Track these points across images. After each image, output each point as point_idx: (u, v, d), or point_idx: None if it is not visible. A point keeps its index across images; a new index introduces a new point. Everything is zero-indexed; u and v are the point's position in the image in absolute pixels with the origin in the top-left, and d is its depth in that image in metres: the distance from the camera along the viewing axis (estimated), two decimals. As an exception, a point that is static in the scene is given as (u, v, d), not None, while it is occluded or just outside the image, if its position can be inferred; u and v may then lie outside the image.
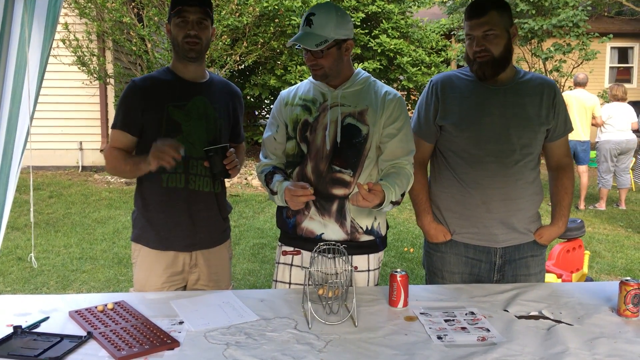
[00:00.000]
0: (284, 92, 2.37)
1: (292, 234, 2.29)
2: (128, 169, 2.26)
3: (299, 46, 2.15)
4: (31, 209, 2.41)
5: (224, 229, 2.47)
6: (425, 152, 2.43)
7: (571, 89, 8.16)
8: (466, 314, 1.91)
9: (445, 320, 1.86)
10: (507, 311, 1.95)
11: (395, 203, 2.16)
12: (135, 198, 2.40)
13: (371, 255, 2.29)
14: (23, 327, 1.72)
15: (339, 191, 2.20)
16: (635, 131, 7.86)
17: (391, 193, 2.10)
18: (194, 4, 2.23)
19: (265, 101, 11.89)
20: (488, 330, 1.78)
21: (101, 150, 10.02)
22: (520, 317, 1.89)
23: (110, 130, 2.36)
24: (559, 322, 1.86)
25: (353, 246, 2.19)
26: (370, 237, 2.27)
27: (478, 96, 2.32)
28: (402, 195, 2.20)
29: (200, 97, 2.32)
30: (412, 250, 5.87)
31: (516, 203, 2.32)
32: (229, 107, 2.43)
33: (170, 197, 2.29)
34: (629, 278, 1.92)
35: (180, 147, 2.09)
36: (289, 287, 2.29)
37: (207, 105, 2.33)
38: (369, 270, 2.28)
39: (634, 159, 8.16)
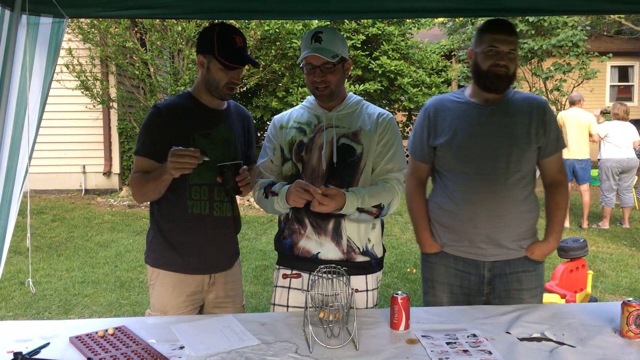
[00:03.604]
0: (277, 117, 2.42)
1: (290, 255, 2.32)
2: (151, 186, 2.20)
3: (302, 65, 2.20)
4: (28, 233, 2.41)
5: (237, 247, 2.53)
6: (422, 172, 2.54)
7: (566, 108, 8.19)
8: (468, 337, 1.90)
9: (447, 343, 1.84)
10: (509, 333, 1.94)
11: (367, 212, 2.18)
12: (154, 221, 2.37)
13: (369, 276, 2.30)
14: (23, 353, 1.72)
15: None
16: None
17: (356, 199, 2.14)
18: (244, 63, 2.24)
19: (267, 123, 11.97)
20: (490, 353, 1.77)
21: (104, 174, 10.06)
22: (522, 339, 1.88)
23: (133, 157, 2.35)
24: (562, 344, 1.85)
25: (349, 266, 2.20)
26: (366, 258, 2.29)
27: (468, 117, 2.40)
28: (381, 207, 2.21)
29: (223, 125, 2.36)
30: (414, 271, 5.84)
31: (503, 220, 2.36)
32: (244, 131, 2.48)
33: (195, 223, 2.30)
34: (631, 299, 1.91)
35: (197, 152, 2.07)
36: (287, 310, 2.30)
37: (229, 132, 2.37)
38: (367, 291, 2.29)
39: (636, 177, 8.15)
